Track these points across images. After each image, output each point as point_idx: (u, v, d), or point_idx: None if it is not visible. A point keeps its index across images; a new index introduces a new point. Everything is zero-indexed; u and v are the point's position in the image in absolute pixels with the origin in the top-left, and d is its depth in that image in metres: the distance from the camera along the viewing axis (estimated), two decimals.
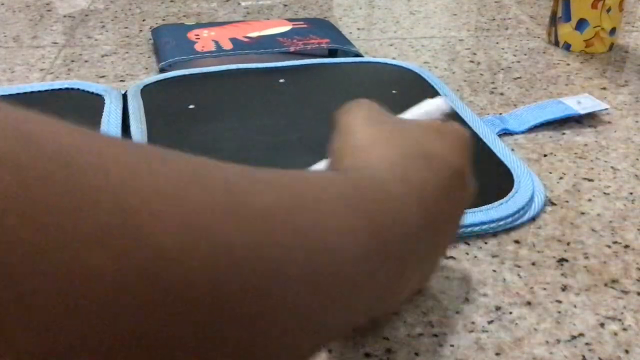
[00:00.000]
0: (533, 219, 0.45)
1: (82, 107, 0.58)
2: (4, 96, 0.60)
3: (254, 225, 0.20)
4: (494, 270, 0.40)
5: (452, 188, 0.33)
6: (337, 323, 0.25)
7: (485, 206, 0.44)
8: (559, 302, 0.38)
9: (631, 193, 0.49)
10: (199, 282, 0.18)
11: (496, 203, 0.45)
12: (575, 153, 0.54)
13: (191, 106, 0.58)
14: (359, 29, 0.85)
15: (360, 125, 0.34)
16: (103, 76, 0.69)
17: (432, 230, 0.32)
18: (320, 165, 0.38)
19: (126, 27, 0.84)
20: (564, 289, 0.39)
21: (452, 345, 0.34)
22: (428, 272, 0.35)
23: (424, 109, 0.37)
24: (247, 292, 0.20)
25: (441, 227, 0.33)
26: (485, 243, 0.43)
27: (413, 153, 0.32)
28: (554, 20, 0.78)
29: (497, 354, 0.34)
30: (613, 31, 0.75)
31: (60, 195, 0.16)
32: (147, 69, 0.71)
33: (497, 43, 0.80)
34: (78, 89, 0.62)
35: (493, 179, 0.47)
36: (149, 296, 0.17)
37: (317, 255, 0.23)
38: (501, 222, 0.43)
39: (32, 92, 0.61)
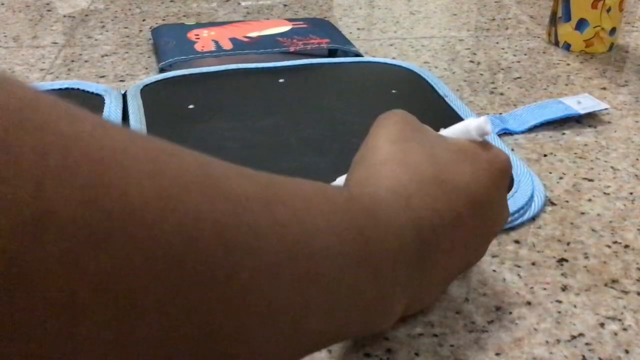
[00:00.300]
0: (533, 219, 0.45)
1: (82, 107, 0.58)
2: None
3: (226, 207, 0.20)
4: (494, 270, 0.40)
5: (468, 218, 0.31)
6: (315, 331, 0.25)
7: None
8: (559, 302, 0.38)
9: (631, 193, 0.49)
10: (165, 245, 0.18)
11: None
12: (575, 153, 0.54)
13: (191, 106, 0.58)
14: (359, 29, 0.85)
15: (383, 141, 0.33)
16: (103, 76, 0.69)
17: (434, 256, 0.30)
18: (342, 179, 0.37)
19: (126, 27, 0.84)
20: (564, 289, 0.39)
21: (452, 345, 0.34)
22: (433, 295, 0.34)
23: (463, 128, 0.35)
24: (213, 269, 0.20)
25: (451, 255, 0.31)
26: None
27: (427, 177, 0.31)
28: (554, 20, 0.78)
29: (497, 354, 0.34)
30: (613, 31, 0.75)
31: (27, 132, 0.16)
32: (147, 69, 0.71)
33: (497, 43, 0.80)
34: (78, 89, 0.62)
35: None
36: (108, 243, 0.17)
37: (296, 250, 0.23)
38: None
39: None
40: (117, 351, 0.18)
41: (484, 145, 0.34)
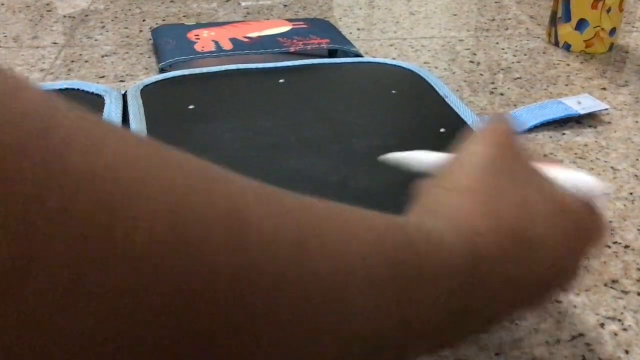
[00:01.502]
0: None
1: (82, 107, 0.58)
2: None
3: (249, 255, 0.18)
4: None
5: (536, 286, 0.27)
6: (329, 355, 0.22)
7: None
8: (559, 302, 0.38)
9: (631, 193, 0.49)
10: (168, 300, 0.17)
11: None
12: (575, 153, 0.54)
13: (191, 106, 0.58)
14: (359, 29, 0.85)
15: (474, 166, 0.28)
16: (103, 76, 0.69)
17: (474, 313, 0.26)
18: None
19: (126, 27, 0.84)
20: None
21: None
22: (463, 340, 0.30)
23: (575, 182, 0.30)
24: (219, 327, 0.18)
25: (488, 315, 0.27)
26: None
27: (504, 228, 0.26)
28: (554, 20, 0.78)
29: (497, 354, 0.34)
30: (613, 31, 0.75)
31: (31, 160, 0.15)
32: (147, 69, 0.71)
33: (497, 43, 0.80)
34: (78, 89, 0.62)
35: None
36: (95, 296, 0.15)
37: (321, 306, 0.20)
38: None
39: None
40: None
41: (587, 204, 0.30)
